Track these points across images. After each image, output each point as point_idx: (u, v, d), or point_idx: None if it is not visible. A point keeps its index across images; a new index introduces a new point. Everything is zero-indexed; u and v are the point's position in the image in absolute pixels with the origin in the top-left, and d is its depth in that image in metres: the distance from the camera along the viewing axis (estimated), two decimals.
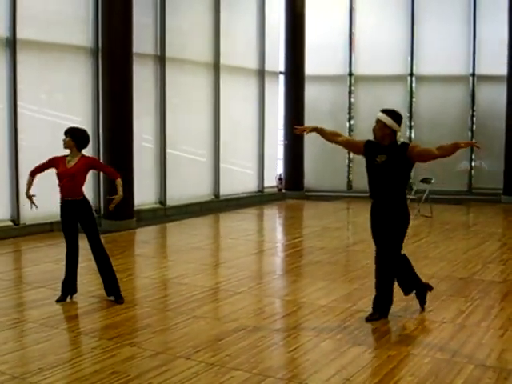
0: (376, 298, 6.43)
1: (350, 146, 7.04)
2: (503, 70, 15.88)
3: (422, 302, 6.66)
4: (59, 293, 7.00)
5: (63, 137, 6.95)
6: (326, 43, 17.17)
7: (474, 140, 14.79)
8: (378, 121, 6.35)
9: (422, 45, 16.76)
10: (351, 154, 17.23)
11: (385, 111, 6.37)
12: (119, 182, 7.24)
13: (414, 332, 5.96)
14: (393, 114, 6.33)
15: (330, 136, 6.87)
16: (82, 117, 11.84)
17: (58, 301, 6.91)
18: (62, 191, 6.91)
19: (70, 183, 6.82)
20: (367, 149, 6.48)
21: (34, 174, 7.15)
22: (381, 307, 6.37)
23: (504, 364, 5.18)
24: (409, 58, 16.86)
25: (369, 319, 6.28)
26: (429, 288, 6.75)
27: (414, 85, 16.89)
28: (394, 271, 6.44)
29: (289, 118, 16.74)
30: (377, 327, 6.08)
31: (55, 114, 11.56)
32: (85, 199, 6.96)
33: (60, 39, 11.46)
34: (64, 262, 7.07)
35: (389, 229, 6.36)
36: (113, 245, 10.40)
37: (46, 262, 8.99)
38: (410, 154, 6.23)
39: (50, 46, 11.32)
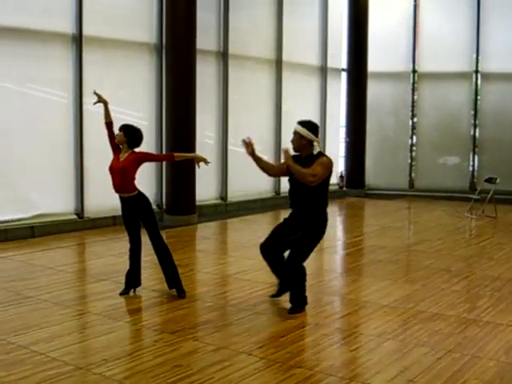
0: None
1: (280, 172, 7.04)
2: None
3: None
4: (123, 286, 7.10)
5: (117, 131, 7.00)
6: (389, 40, 16.97)
7: None
8: (295, 132, 6.46)
9: (487, 41, 16.37)
10: (414, 153, 17.05)
11: (301, 123, 6.51)
12: (177, 155, 7.45)
13: (479, 334, 5.84)
14: (309, 125, 6.47)
15: (266, 167, 7.02)
16: (145, 113, 12.00)
17: (121, 294, 7.00)
18: (113, 187, 6.98)
19: (119, 179, 6.88)
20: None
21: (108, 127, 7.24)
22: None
23: None
24: (474, 55, 16.50)
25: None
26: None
27: (479, 82, 16.54)
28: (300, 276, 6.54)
29: (351, 114, 16.65)
30: (440, 328, 5.98)
31: (119, 111, 11.70)
32: (139, 195, 6.97)
33: (124, 36, 11.61)
34: (127, 256, 7.16)
35: (303, 236, 6.43)
36: (175, 240, 10.51)
37: (109, 255, 9.13)
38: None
39: (114, 42, 11.48)
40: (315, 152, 6.44)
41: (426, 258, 9.18)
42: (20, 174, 10.36)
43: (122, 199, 6.98)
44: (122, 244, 9.87)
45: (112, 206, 11.25)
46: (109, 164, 7.05)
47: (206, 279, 8.00)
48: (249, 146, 6.75)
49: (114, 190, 6.99)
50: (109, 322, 6.11)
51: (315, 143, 6.44)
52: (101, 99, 7.27)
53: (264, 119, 14.52)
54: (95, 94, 7.27)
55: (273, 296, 6.84)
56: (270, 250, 6.58)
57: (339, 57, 16.72)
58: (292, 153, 6.51)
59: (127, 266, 7.12)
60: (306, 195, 6.40)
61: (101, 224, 11.17)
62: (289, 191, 6.67)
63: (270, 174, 7.19)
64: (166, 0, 11.74)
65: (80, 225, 10.98)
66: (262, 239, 6.74)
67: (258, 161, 6.83)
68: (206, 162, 7.05)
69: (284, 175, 6.81)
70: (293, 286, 6.56)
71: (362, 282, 8.08)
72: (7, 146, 10.16)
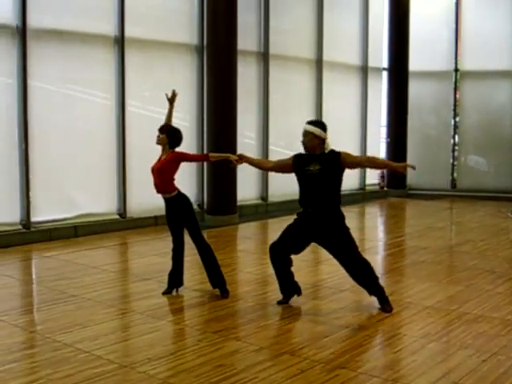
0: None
1: (281, 167, 7.10)
2: None
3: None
4: (165, 285, 7.15)
5: (157, 133, 7.00)
6: (430, 38, 16.81)
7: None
8: (308, 133, 6.63)
9: None
10: (456, 152, 16.86)
11: (311, 123, 6.82)
12: (212, 155, 7.67)
13: None
14: (320, 125, 6.75)
15: (258, 165, 7.49)
16: (186, 114, 12.07)
17: (164, 293, 7.06)
18: (154, 188, 7.04)
19: (158, 179, 6.94)
20: (297, 162, 6.67)
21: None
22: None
23: None
24: None
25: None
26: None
27: None
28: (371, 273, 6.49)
29: (392, 114, 16.54)
30: (485, 330, 5.91)
31: (161, 112, 11.77)
32: (179, 195, 7.01)
33: (165, 37, 11.70)
34: (170, 256, 7.21)
35: (334, 237, 6.41)
36: (216, 239, 10.54)
37: (152, 254, 9.21)
38: (342, 163, 6.40)
39: (155, 43, 11.57)
40: (327, 150, 6.55)
41: (469, 259, 9.08)
42: (64, 174, 10.51)
43: (164, 199, 7.04)
44: (165, 244, 9.94)
45: (154, 205, 11.40)
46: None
47: (247, 279, 8.02)
48: (238, 161, 7.05)
49: (155, 191, 7.03)
50: (152, 321, 6.16)
51: (328, 141, 6.60)
52: (172, 100, 7.33)
53: (305, 119, 14.41)
54: (173, 94, 7.32)
55: (280, 302, 6.73)
56: (280, 253, 6.56)
57: (380, 56, 16.62)
58: None
59: (170, 266, 7.17)
60: (324, 193, 6.42)
61: (143, 224, 11.27)
62: (302, 191, 6.65)
63: (263, 169, 7.84)
64: (206, 1, 11.80)
65: (122, 224, 11.09)
66: (273, 240, 6.72)
67: (251, 161, 7.18)
68: (236, 161, 7.02)
69: (287, 172, 6.93)
70: (372, 286, 6.53)
71: (404, 282, 8.01)
72: (51, 147, 10.31)
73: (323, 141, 6.55)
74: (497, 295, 7.19)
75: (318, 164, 6.43)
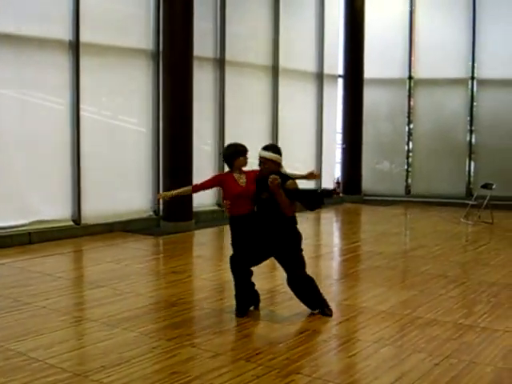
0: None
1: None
2: None
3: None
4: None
5: (246, 156, 7.00)
6: (385, 46, 17.01)
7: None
8: (266, 159, 6.61)
9: (483, 48, 16.42)
10: (410, 159, 17.08)
11: (267, 148, 6.76)
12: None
13: (476, 340, 5.86)
14: (276, 149, 6.73)
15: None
16: (142, 120, 12.03)
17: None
18: (238, 209, 6.75)
19: (247, 200, 6.74)
20: (258, 183, 6.70)
21: (196, 191, 7.15)
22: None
23: None
24: (470, 61, 16.56)
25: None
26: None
27: (475, 88, 16.59)
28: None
29: (348, 121, 16.69)
30: (437, 334, 6.00)
31: (115, 117, 11.75)
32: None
33: (121, 42, 11.64)
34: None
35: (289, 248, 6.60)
36: (172, 246, 10.54)
37: (107, 261, 9.13)
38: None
39: (111, 48, 11.50)
40: (283, 172, 6.60)
41: (423, 264, 9.20)
42: (17, 180, 10.36)
43: (243, 217, 6.79)
44: (119, 250, 9.94)
45: (109, 212, 11.38)
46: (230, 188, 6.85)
47: (203, 285, 8.01)
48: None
49: (235, 212, 6.79)
50: (106, 328, 6.12)
51: (283, 165, 6.68)
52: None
53: (261, 125, 14.54)
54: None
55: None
56: (245, 265, 6.56)
57: (335, 63, 16.77)
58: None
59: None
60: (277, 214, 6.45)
61: (98, 230, 11.16)
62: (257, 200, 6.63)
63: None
64: (163, 6, 11.77)
65: (77, 231, 10.98)
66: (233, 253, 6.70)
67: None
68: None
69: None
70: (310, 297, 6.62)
71: (359, 288, 8.09)
72: (4, 153, 10.16)
73: (279, 165, 6.64)
74: (449, 299, 7.30)
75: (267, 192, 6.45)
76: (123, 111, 11.87)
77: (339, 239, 12.36)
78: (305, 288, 6.57)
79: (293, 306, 6.91)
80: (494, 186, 13.37)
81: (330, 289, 8.01)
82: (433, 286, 7.89)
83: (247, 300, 6.65)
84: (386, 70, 17.05)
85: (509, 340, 5.88)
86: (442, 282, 8.14)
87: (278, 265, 9.58)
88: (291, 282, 6.59)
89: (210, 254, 10.50)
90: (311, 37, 15.91)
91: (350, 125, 16.70)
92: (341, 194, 16.77)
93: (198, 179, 11.97)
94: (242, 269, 6.54)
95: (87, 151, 11.02)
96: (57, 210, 10.89)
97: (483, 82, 16.51)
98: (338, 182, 16.89)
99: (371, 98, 16.87)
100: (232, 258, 6.59)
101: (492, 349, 5.63)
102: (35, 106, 10.61)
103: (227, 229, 12.18)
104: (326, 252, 10.54)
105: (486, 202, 13.17)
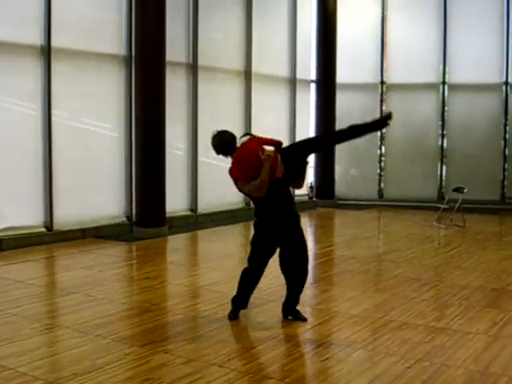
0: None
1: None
2: None
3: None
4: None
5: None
6: (357, 52, 17.14)
7: None
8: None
9: (454, 53, 16.64)
10: (382, 163, 17.20)
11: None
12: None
13: (448, 343, 5.90)
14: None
15: None
16: (114, 125, 11.98)
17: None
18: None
19: None
20: None
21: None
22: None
23: None
24: (441, 67, 16.74)
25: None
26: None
27: (446, 93, 16.76)
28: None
29: (320, 126, 16.75)
30: (410, 337, 6.04)
31: (88, 122, 11.69)
32: None
33: (93, 47, 11.58)
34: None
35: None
36: (145, 252, 10.50)
37: (79, 268, 9.06)
38: None
39: (83, 54, 11.44)
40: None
41: (395, 268, 9.25)
42: None
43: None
44: (92, 257, 9.88)
45: (81, 218, 11.31)
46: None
47: (176, 291, 7.98)
48: None
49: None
50: (79, 335, 6.07)
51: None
52: None
53: (234, 130, 14.46)
54: None
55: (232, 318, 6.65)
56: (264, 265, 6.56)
57: (308, 68, 16.83)
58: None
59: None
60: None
61: (70, 237, 11.08)
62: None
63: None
64: (135, 12, 11.73)
65: (49, 237, 10.88)
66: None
67: None
68: None
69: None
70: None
71: (332, 292, 8.12)
72: None
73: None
74: (422, 302, 7.35)
75: None
76: (95, 116, 11.80)
77: (312, 243, 12.35)
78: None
79: (266, 311, 6.93)
80: (465, 190, 13.50)
81: (303, 293, 7.96)
82: (405, 290, 7.94)
83: (246, 304, 6.65)
84: (359, 74, 17.17)
85: (480, 342, 5.93)
86: (414, 285, 8.19)
87: None
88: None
89: (183, 259, 10.47)
90: (284, 42, 15.96)
91: (322, 129, 16.72)
92: (314, 199, 16.82)
93: (170, 184, 12.05)
94: (261, 270, 6.51)
95: (59, 156, 10.94)
96: (28, 217, 10.80)
97: (454, 87, 16.69)
98: (311, 187, 16.94)
99: (344, 102, 16.96)
100: (253, 259, 6.50)
101: (463, 351, 5.68)
102: (6, 112, 10.51)
103: (201, 234, 12.32)
104: None
105: (457, 205, 13.29)
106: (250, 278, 6.56)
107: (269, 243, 6.41)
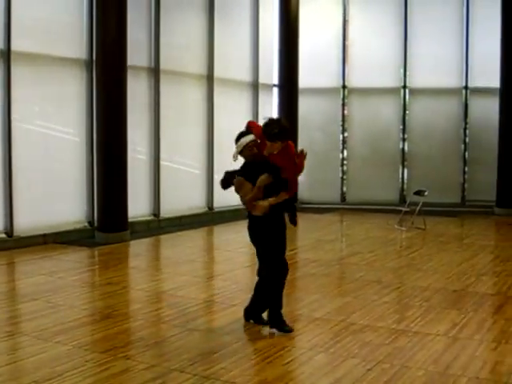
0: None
1: None
2: (496, 83, 15.97)
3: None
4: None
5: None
6: (319, 56, 17.22)
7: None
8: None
9: (415, 58, 16.84)
10: (345, 167, 17.30)
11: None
12: None
13: (408, 344, 5.96)
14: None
15: None
16: (75, 129, 11.87)
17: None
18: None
19: None
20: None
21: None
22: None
23: (497, 377, 5.21)
24: (402, 71, 16.93)
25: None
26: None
27: (407, 97, 16.95)
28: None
29: None
30: (371, 340, 6.09)
31: (49, 127, 11.57)
32: None
33: (54, 51, 11.47)
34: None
35: None
36: (107, 257, 10.43)
37: (40, 274, 8.95)
38: None
39: (43, 58, 11.32)
40: None
41: (357, 271, 9.32)
42: None
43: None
44: (53, 263, 9.78)
45: (42, 223, 11.19)
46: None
47: (138, 296, 7.93)
48: None
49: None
50: (39, 342, 6.00)
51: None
52: None
53: (197, 135, 14.52)
54: None
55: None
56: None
57: (270, 72, 16.86)
58: None
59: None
60: None
61: (31, 242, 10.94)
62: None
63: None
64: (96, 15, 11.65)
65: (9, 243, 10.73)
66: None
67: None
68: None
69: None
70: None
71: (295, 295, 8.13)
72: None
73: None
74: (383, 305, 7.42)
75: None
76: (56, 121, 11.69)
77: None
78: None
79: (228, 315, 6.93)
80: (426, 193, 13.66)
81: None
82: (367, 292, 8.00)
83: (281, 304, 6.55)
84: (321, 79, 17.25)
85: (440, 344, 6.00)
86: (375, 287, 8.26)
87: (214, 274, 9.66)
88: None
89: (145, 264, 10.42)
90: (246, 46, 15.98)
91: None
92: None
93: (133, 190, 11.98)
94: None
95: (19, 161, 10.81)
96: None
97: (415, 91, 16.90)
98: None
99: (306, 107, 17.03)
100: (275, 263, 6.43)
101: (424, 353, 5.74)
102: None
103: (164, 239, 12.26)
104: None
105: (418, 208, 13.44)
106: (273, 286, 6.39)
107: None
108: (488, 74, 16.24)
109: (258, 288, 6.51)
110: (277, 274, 6.36)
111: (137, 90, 12.68)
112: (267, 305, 6.47)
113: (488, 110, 16.53)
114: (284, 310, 6.66)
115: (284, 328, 6.32)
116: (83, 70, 11.94)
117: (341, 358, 5.58)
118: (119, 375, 5.20)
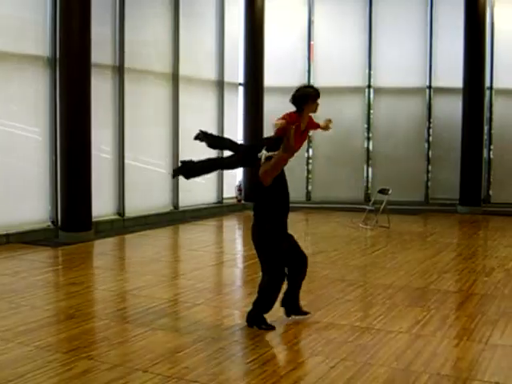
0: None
1: None
2: (459, 83, 16.17)
3: None
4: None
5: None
6: (285, 55, 17.28)
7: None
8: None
9: (379, 57, 16.99)
10: (310, 166, 17.37)
11: None
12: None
13: (371, 342, 6.01)
14: None
15: None
16: (39, 128, 11.75)
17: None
18: None
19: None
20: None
21: None
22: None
23: (459, 373, 5.28)
24: (367, 70, 17.06)
25: None
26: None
27: (371, 97, 17.08)
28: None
29: (248, 128, 16.81)
30: (334, 337, 6.12)
31: (11, 125, 11.44)
32: None
33: (16, 48, 11.34)
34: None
35: None
36: (70, 257, 10.34)
37: (2, 274, 8.84)
38: None
39: (5, 55, 11.19)
40: None
41: (321, 269, 9.35)
42: None
43: None
44: (16, 263, 9.67)
45: (5, 223, 11.06)
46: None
47: (102, 296, 7.88)
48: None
49: None
50: (1, 343, 5.93)
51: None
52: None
53: (162, 133, 14.47)
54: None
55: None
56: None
57: (236, 71, 16.87)
58: None
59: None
60: None
61: None
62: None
63: None
64: (59, 13, 11.53)
65: None
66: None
67: None
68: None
69: None
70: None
71: None
72: None
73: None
74: (347, 303, 7.46)
75: None
76: (19, 119, 11.55)
77: (240, 246, 12.43)
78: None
79: (192, 315, 6.92)
80: (390, 192, 13.78)
81: (230, 295, 8.08)
82: (331, 290, 8.05)
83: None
84: (286, 78, 17.26)
85: (402, 341, 6.06)
86: (339, 285, 8.31)
87: (178, 273, 9.63)
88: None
89: (109, 264, 10.34)
90: (212, 45, 15.96)
91: (250, 132, 16.80)
92: (242, 201, 16.86)
93: (97, 189, 11.89)
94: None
95: None
96: None
97: (379, 91, 17.02)
98: (240, 189, 16.98)
99: (271, 105, 17.03)
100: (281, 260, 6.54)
101: (386, 350, 5.80)
102: None
103: (128, 238, 12.19)
104: (227, 259, 10.59)
105: (382, 206, 13.55)
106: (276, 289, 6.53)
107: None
108: (451, 74, 16.43)
109: (262, 290, 6.52)
110: (281, 278, 6.51)
111: (101, 89, 12.59)
112: (270, 305, 6.50)
113: (451, 110, 16.73)
114: (246, 310, 6.67)
115: (262, 326, 6.39)
116: (46, 68, 11.82)
117: (305, 356, 5.62)
118: (82, 375, 5.16)
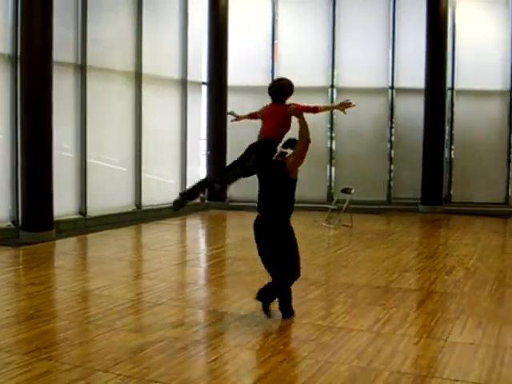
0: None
1: None
2: (421, 84, 16.34)
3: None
4: None
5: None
6: (248, 54, 17.28)
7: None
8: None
9: (342, 57, 17.08)
10: None
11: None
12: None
13: (332, 340, 6.05)
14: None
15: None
16: None
17: None
18: None
19: None
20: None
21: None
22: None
23: (418, 370, 5.33)
24: (330, 70, 17.14)
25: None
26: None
27: (334, 96, 17.15)
28: None
29: (211, 128, 16.80)
30: (296, 336, 6.15)
31: None
32: None
33: None
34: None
35: None
36: (31, 257, 10.23)
37: None
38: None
39: None
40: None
41: None
42: None
43: None
44: None
45: None
46: None
47: (62, 296, 7.81)
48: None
49: None
50: None
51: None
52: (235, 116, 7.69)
53: (124, 132, 14.37)
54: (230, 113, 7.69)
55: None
56: None
57: (199, 70, 16.83)
58: None
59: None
60: None
61: None
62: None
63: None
64: (20, 10, 11.38)
65: None
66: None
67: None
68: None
69: None
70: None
71: (221, 293, 8.16)
72: None
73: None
74: (308, 301, 7.50)
75: None
76: None
77: (203, 245, 12.42)
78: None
79: (154, 314, 6.90)
80: (352, 191, 13.88)
81: (193, 295, 8.06)
82: (293, 289, 7.95)
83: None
84: (250, 77, 17.29)
85: (363, 339, 6.11)
86: (302, 284, 8.28)
87: (140, 272, 9.58)
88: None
89: (71, 264, 10.23)
90: (175, 43, 15.90)
91: (214, 132, 16.80)
92: (206, 201, 16.81)
93: (58, 187, 11.76)
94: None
95: None
96: None
97: (342, 91, 17.04)
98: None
99: (235, 105, 16.99)
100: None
101: (347, 348, 5.84)
102: None
103: (90, 237, 12.10)
104: (190, 259, 10.56)
105: (345, 206, 13.63)
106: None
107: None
108: (413, 75, 16.59)
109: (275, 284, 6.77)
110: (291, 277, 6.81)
111: (63, 87, 12.45)
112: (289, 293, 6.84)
113: (413, 110, 16.89)
114: (210, 308, 6.69)
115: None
116: (7, 65, 11.67)
117: (266, 355, 5.62)
118: (42, 377, 5.11)
